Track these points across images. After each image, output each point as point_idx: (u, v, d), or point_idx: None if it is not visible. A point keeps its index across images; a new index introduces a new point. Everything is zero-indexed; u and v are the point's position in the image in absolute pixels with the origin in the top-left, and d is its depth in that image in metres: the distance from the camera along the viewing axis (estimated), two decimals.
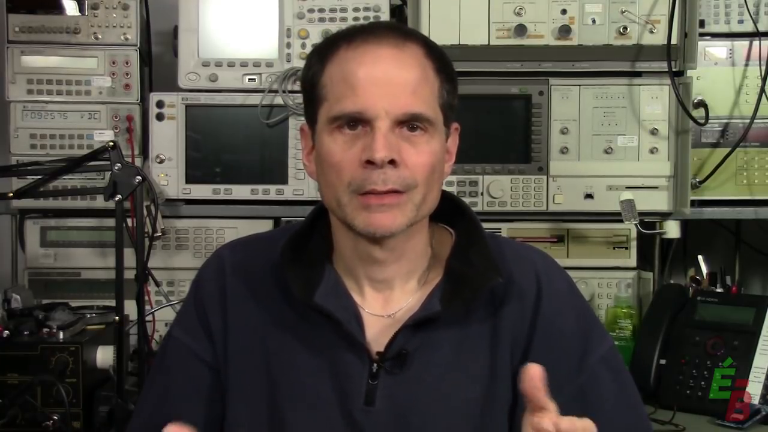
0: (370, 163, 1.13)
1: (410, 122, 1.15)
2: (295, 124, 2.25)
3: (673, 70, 2.19)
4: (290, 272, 1.21)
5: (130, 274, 1.84)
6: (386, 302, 1.23)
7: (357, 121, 1.15)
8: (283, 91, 2.24)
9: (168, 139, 2.27)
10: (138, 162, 2.28)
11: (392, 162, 1.13)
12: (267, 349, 1.22)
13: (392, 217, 1.15)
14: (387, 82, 1.14)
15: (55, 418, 1.70)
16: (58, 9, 2.30)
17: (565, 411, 1.19)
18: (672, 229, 2.24)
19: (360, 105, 1.14)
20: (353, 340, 1.19)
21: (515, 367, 1.21)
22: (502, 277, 1.20)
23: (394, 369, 1.18)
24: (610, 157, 2.23)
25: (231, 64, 2.28)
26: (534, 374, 0.96)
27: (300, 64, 2.25)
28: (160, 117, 2.27)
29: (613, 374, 1.24)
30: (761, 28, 2.21)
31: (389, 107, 1.13)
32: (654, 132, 2.22)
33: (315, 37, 2.27)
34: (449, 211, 1.28)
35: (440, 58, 1.21)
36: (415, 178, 1.15)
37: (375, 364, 1.18)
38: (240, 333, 1.24)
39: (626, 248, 2.27)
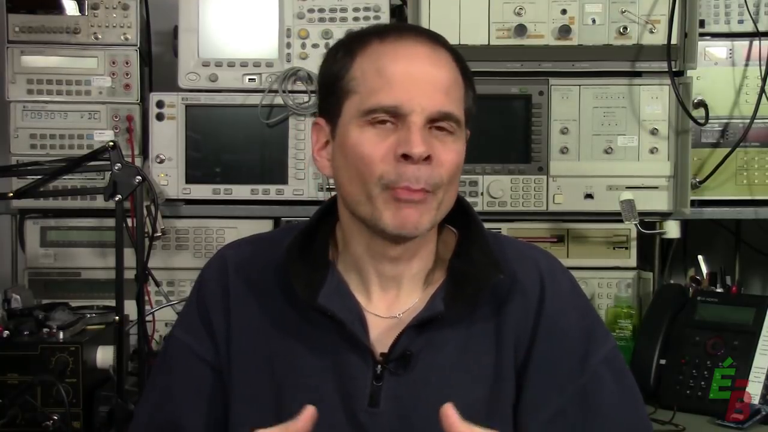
0: (405, 157, 1.13)
1: (441, 121, 1.16)
2: (295, 124, 2.26)
3: (673, 70, 2.19)
4: (294, 272, 1.20)
5: (130, 274, 1.84)
6: (391, 303, 1.23)
7: (390, 116, 1.14)
8: (283, 91, 2.24)
9: (168, 139, 2.27)
10: (138, 162, 2.28)
11: (427, 158, 1.13)
12: (270, 350, 1.22)
13: (418, 214, 1.14)
14: (423, 79, 1.15)
15: (55, 418, 1.70)
16: (58, 9, 2.30)
17: (566, 411, 1.20)
18: (672, 229, 2.24)
19: (397, 99, 1.13)
20: (357, 341, 1.18)
21: (518, 367, 1.21)
22: (504, 274, 1.20)
23: (398, 370, 1.18)
24: (610, 157, 2.23)
25: (231, 64, 2.28)
26: (448, 414, 1.00)
27: (300, 64, 2.25)
28: (160, 117, 2.27)
29: (615, 375, 1.23)
30: (761, 28, 2.21)
31: (425, 104, 1.14)
32: (654, 132, 2.22)
33: (315, 37, 2.27)
34: (454, 211, 1.28)
35: (464, 65, 1.23)
36: (442, 176, 1.15)
37: (379, 366, 1.18)
38: (243, 333, 1.24)
39: (626, 248, 2.27)
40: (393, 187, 1.13)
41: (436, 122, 1.15)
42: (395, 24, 1.24)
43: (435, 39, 1.20)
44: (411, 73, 1.15)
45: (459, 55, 1.22)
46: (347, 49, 1.20)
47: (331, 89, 1.20)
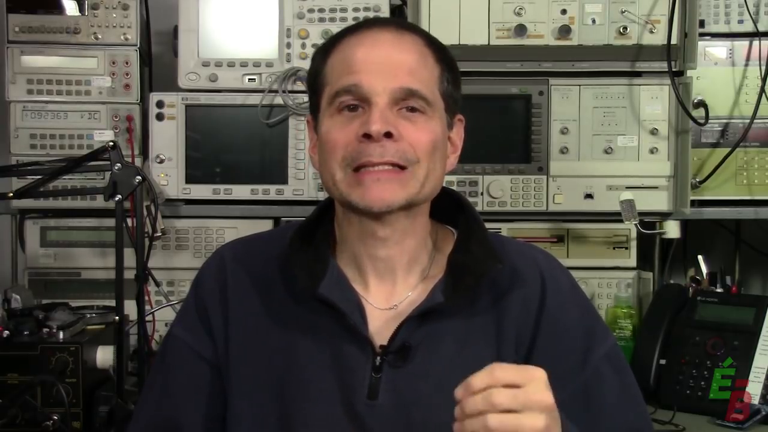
0: (366, 136, 1.14)
1: (408, 100, 1.17)
2: (295, 124, 2.26)
3: (673, 70, 2.19)
4: (296, 264, 1.22)
5: (130, 274, 1.84)
6: (389, 294, 1.24)
7: (357, 102, 1.17)
8: (283, 91, 2.24)
9: (168, 139, 2.27)
10: (138, 162, 2.28)
11: (390, 135, 1.15)
12: (270, 344, 1.23)
13: (391, 191, 1.16)
14: (385, 61, 1.17)
15: (55, 418, 1.70)
16: (58, 9, 2.30)
17: (567, 407, 1.20)
18: (672, 229, 2.24)
19: (357, 79, 1.16)
20: (357, 333, 1.19)
21: (520, 363, 1.21)
22: (502, 263, 1.21)
23: (397, 362, 1.19)
24: (610, 157, 2.23)
25: (231, 64, 2.28)
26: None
27: (300, 64, 2.26)
28: (160, 117, 2.27)
29: (615, 371, 1.24)
30: (761, 28, 2.21)
31: (386, 83, 1.16)
32: (654, 132, 2.22)
33: (315, 37, 2.27)
34: (452, 209, 1.29)
35: (441, 49, 1.24)
36: (415, 152, 1.16)
37: (378, 357, 1.19)
38: (242, 329, 1.24)
39: (626, 248, 2.27)
40: (355, 165, 1.15)
41: (403, 102, 1.17)
42: (371, 18, 1.27)
43: (404, 27, 1.23)
44: (372, 57, 1.17)
45: (435, 41, 1.24)
46: (323, 50, 1.24)
47: (312, 87, 1.25)
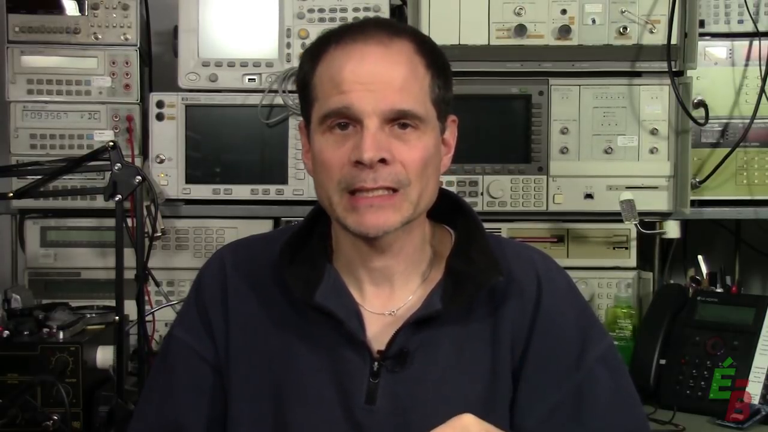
0: (359, 163, 1.13)
1: (400, 119, 1.15)
2: (295, 124, 2.25)
3: (673, 70, 2.19)
4: (290, 272, 1.21)
5: (130, 274, 1.84)
6: (387, 299, 1.24)
7: (347, 121, 1.15)
8: (283, 91, 2.24)
9: (168, 139, 2.27)
10: (138, 162, 2.28)
11: (383, 161, 1.14)
12: (268, 348, 1.23)
13: (384, 217, 1.15)
14: (373, 79, 1.14)
15: (55, 418, 1.70)
16: (58, 9, 2.30)
17: (562, 407, 1.20)
18: (672, 229, 2.24)
19: (346, 102, 1.14)
20: (354, 339, 1.19)
21: (515, 364, 1.21)
22: (503, 275, 1.21)
23: (395, 367, 1.19)
24: (610, 157, 2.23)
25: (231, 64, 2.28)
26: None
27: None
28: (160, 117, 2.27)
29: (610, 373, 1.23)
30: (761, 28, 2.21)
31: (376, 104, 1.13)
32: (654, 132, 2.22)
33: (315, 37, 2.26)
34: (449, 210, 1.29)
35: (431, 52, 1.20)
36: (407, 174, 1.15)
37: (376, 363, 1.19)
38: (242, 332, 1.25)
39: (626, 248, 2.27)
40: (350, 189, 1.15)
41: (395, 121, 1.15)
42: (356, 23, 1.22)
43: (391, 33, 1.18)
44: (360, 75, 1.14)
45: (425, 43, 1.21)
46: (310, 56, 1.21)
47: (302, 96, 1.23)
